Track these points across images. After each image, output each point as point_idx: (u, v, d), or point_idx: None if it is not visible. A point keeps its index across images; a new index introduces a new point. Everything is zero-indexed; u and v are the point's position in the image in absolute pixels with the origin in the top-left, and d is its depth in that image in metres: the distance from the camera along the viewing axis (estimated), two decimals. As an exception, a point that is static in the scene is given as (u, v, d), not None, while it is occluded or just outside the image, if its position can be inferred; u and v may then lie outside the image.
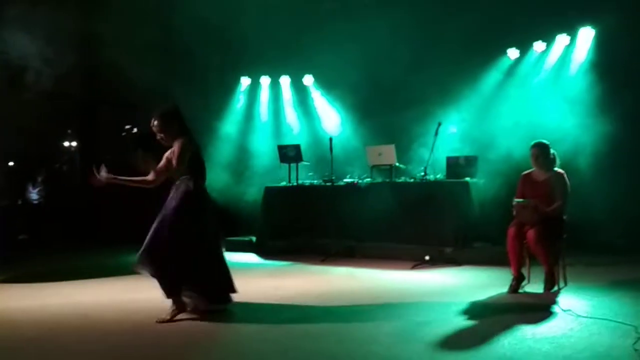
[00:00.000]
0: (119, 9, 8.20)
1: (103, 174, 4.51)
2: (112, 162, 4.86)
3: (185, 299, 4.49)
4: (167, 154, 4.63)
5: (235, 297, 4.74)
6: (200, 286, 4.46)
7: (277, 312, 4.68)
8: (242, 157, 9.94)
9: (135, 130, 5.48)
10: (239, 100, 10.37)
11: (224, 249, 4.82)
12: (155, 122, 4.54)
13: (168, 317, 4.35)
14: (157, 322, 4.31)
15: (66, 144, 11.57)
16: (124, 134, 5.51)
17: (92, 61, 9.84)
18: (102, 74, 9.83)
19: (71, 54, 8.50)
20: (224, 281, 4.58)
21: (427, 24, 8.04)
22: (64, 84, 8.75)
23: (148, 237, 4.45)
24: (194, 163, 4.53)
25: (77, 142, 11.43)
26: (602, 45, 7.56)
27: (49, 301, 5.24)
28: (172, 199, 4.49)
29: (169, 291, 4.43)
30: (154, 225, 4.46)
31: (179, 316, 4.40)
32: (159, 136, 4.56)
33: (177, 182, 4.54)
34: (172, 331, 4.15)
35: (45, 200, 10.43)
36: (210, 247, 4.55)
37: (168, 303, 4.46)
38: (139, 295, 5.37)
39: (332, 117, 9.72)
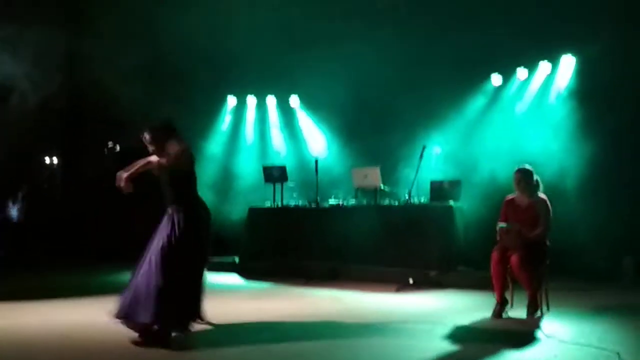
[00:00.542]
0: (106, 28, 8.20)
1: (122, 173, 4.30)
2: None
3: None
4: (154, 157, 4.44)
5: (216, 319, 4.72)
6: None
7: (258, 333, 4.61)
8: (226, 177, 9.90)
9: (117, 148, 5.43)
10: (224, 122, 10.37)
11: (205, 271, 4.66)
12: (147, 136, 4.49)
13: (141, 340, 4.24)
14: (132, 343, 4.20)
15: (47, 160, 11.42)
16: (106, 151, 5.45)
17: (77, 79, 9.81)
18: (88, 92, 9.79)
19: (56, 72, 8.46)
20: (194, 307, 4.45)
21: (413, 48, 8.14)
22: (48, 101, 8.67)
23: (139, 281, 4.28)
24: (190, 173, 4.47)
25: (58, 158, 11.29)
26: (583, 73, 7.71)
27: (28, 320, 5.11)
28: (169, 229, 4.32)
29: (177, 326, 4.21)
30: (151, 265, 4.27)
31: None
32: (150, 149, 4.49)
33: (170, 211, 4.40)
34: (152, 352, 4.05)
35: (26, 217, 10.25)
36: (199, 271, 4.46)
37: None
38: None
39: (317, 139, 9.74)
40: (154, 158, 4.41)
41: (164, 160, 4.34)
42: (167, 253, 4.25)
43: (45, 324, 4.98)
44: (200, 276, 4.48)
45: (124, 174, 4.27)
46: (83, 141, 10.80)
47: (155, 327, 4.22)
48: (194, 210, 4.43)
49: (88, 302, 6.02)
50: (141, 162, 4.37)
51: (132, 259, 9.29)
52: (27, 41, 7.60)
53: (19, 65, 7.75)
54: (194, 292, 4.42)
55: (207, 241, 4.58)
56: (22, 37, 7.54)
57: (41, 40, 7.61)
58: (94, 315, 5.27)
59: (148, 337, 4.25)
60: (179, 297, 4.22)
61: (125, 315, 4.24)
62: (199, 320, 4.58)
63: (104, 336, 4.48)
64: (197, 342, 4.31)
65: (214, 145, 10.00)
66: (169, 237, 4.30)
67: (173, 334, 4.18)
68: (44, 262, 9.18)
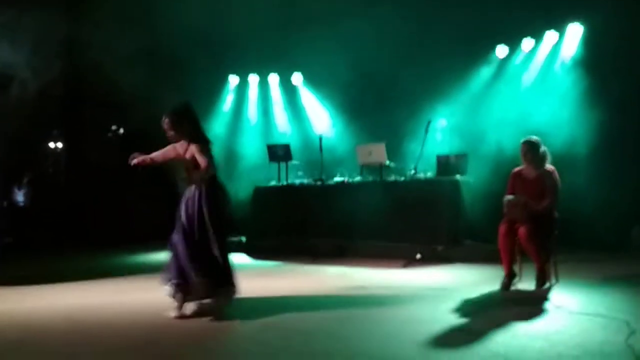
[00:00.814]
0: (105, 12, 8.11)
1: (136, 155, 4.58)
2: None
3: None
4: (177, 146, 4.57)
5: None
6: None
7: (268, 312, 4.61)
8: (230, 157, 9.88)
9: (121, 130, 5.42)
10: (227, 102, 10.31)
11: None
12: (166, 120, 4.53)
13: (178, 314, 4.38)
14: (173, 318, 4.33)
15: (52, 145, 11.42)
16: (110, 134, 5.44)
17: (77, 64, 9.74)
18: (88, 76, 9.72)
19: (56, 58, 8.40)
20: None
21: (416, 21, 8.03)
22: (48, 86, 8.63)
23: (187, 257, 4.39)
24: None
25: (62, 143, 11.28)
26: (590, 42, 7.58)
27: (34, 304, 5.14)
28: (199, 204, 4.45)
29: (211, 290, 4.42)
30: (186, 241, 4.42)
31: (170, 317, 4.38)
32: (168, 134, 4.55)
33: (192, 187, 4.51)
34: (161, 333, 4.07)
35: (31, 203, 10.29)
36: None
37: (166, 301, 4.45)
38: (125, 297, 5.33)
39: (321, 116, 9.68)
40: (179, 148, 4.52)
41: (203, 165, 4.40)
42: (201, 224, 4.41)
43: (50, 307, 5.00)
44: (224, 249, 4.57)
45: (147, 157, 4.51)
46: (85, 125, 10.79)
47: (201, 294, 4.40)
48: (215, 189, 4.55)
49: (93, 286, 6.05)
50: (170, 152, 4.56)
51: (135, 242, 9.40)
52: (26, 27, 7.53)
53: (19, 52, 7.69)
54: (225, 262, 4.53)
55: (226, 219, 4.72)
56: (21, 23, 7.47)
57: (40, 26, 7.54)
58: (98, 299, 5.33)
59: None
60: (216, 263, 4.42)
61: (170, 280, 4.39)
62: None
63: (108, 319, 4.52)
64: (205, 322, 4.33)
65: (217, 126, 9.96)
66: (199, 210, 4.43)
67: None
68: (50, 247, 9.23)
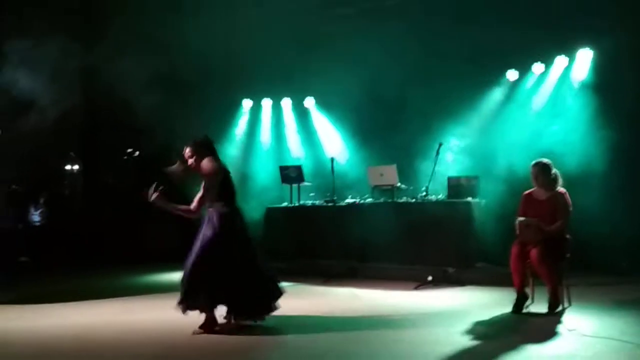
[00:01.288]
0: (121, 38, 8.30)
1: (155, 196, 4.80)
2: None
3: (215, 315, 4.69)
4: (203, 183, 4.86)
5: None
6: (234, 302, 4.67)
7: (279, 332, 4.64)
8: (243, 180, 9.96)
9: (137, 153, 5.57)
10: (240, 125, 10.45)
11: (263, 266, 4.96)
12: (188, 149, 4.84)
13: (202, 330, 4.60)
14: (193, 334, 4.55)
15: (68, 167, 11.61)
16: (125, 157, 5.59)
17: (94, 87, 9.96)
18: (104, 99, 9.92)
19: (73, 81, 8.59)
20: (258, 297, 4.75)
21: (427, 43, 8.11)
22: (66, 110, 8.80)
23: (187, 272, 4.68)
24: (224, 187, 4.80)
25: (79, 165, 11.47)
26: (600, 66, 7.62)
27: (45, 322, 5.22)
28: (208, 229, 4.72)
29: (208, 307, 4.63)
30: (192, 259, 4.68)
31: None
32: (189, 161, 4.84)
33: (209, 213, 4.77)
34: (166, 349, 4.11)
35: (47, 223, 10.42)
36: (246, 266, 4.72)
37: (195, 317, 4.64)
38: (134, 316, 5.41)
39: (333, 139, 9.76)
40: (194, 206, 4.87)
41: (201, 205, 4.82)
42: (204, 247, 4.65)
43: (60, 325, 5.08)
44: (243, 270, 4.69)
45: (157, 201, 4.77)
46: (102, 148, 10.97)
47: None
48: (227, 213, 4.77)
49: (103, 305, 6.13)
50: (182, 208, 4.90)
51: (150, 262, 9.47)
52: (44, 53, 7.73)
53: (38, 78, 7.88)
54: (238, 284, 4.65)
55: (245, 240, 4.87)
56: (40, 49, 7.67)
57: (58, 51, 7.74)
58: (108, 318, 5.40)
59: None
60: (212, 285, 4.59)
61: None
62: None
63: (117, 337, 4.60)
64: (214, 341, 4.37)
65: (231, 148, 10.07)
66: (205, 234, 4.71)
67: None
68: (65, 266, 9.33)
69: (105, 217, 10.41)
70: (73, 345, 4.39)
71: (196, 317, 4.62)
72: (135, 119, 8.70)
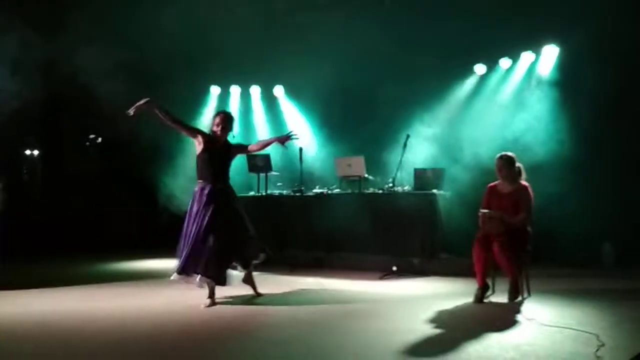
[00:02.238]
0: (86, 23, 8.08)
1: (143, 102, 5.07)
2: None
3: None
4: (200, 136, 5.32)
5: (200, 308, 5.04)
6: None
7: (243, 322, 4.63)
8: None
9: (99, 139, 5.50)
10: (208, 112, 10.31)
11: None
12: (222, 116, 5.37)
13: (210, 303, 5.09)
14: (204, 307, 5.02)
15: (27, 152, 11.27)
16: (87, 143, 5.50)
17: (56, 71, 9.68)
18: (66, 84, 9.65)
19: (34, 65, 8.32)
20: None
21: (396, 37, 8.15)
22: (26, 93, 8.53)
23: (189, 245, 5.04)
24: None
25: (38, 150, 11.15)
26: (565, 62, 7.80)
27: (6, 310, 5.08)
28: (203, 204, 5.16)
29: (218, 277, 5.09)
30: (193, 232, 5.06)
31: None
32: (217, 127, 5.30)
33: (215, 186, 5.24)
34: (135, 338, 4.05)
35: (5, 209, 10.11)
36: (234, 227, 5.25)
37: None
38: (97, 303, 5.34)
39: (302, 128, 9.73)
40: (201, 138, 5.30)
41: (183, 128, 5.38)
42: (230, 218, 5.22)
43: (21, 313, 4.96)
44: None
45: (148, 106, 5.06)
46: (63, 133, 10.70)
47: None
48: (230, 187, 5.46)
49: (65, 292, 6.02)
50: (192, 132, 5.38)
51: (110, 250, 9.33)
52: (3, 39, 7.48)
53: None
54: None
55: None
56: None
57: (18, 34, 7.50)
58: (70, 304, 5.30)
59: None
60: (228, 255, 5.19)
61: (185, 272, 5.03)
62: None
63: (80, 324, 4.53)
64: (178, 328, 4.32)
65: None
66: (228, 206, 5.26)
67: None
68: (24, 254, 9.08)
69: (66, 203, 10.18)
70: (38, 332, 4.30)
71: (156, 304, 4.58)
72: (99, 105, 8.50)
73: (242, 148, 5.58)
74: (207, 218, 5.07)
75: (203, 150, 5.30)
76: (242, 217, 5.39)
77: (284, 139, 5.53)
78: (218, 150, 5.34)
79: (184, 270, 5.02)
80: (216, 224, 5.09)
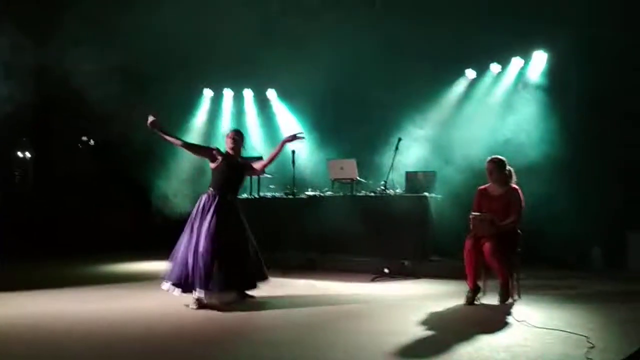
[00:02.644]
0: (79, 25, 8.07)
1: (151, 119, 5.10)
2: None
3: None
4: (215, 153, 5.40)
5: (192, 310, 5.02)
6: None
7: (236, 323, 4.64)
8: (202, 170, 9.84)
9: (91, 142, 5.50)
10: (201, 115, 10.33)
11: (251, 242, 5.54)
12: (238, 135, 5.51)
13: (196, 306, 5.05)
14: (192, 308, 5.03)
15: (19, 154, 11.22)
16: (80, 145, 5.50)
17: (48, 73, 9.65)
18: (59, 86, 9.63)
19: (26, 67, 8.29)
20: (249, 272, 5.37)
21: (389, 41, 8.21)
22: (18, 95, 8.50)
23: (199, 263, 5.05)
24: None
25: (30, 152, 11.10)
26: (554, 67, 7.90)
27: (0, 311, 5.05)
28: (207, 214, 5.21)
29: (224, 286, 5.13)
30: (200, 249, 5.08)
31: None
32: (232, 145, 5.42)
33: (226, 198, 5.33)
34: (126, 340, 4.06)
35: (-1, 211, 10.06)
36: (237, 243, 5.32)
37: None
38: (89, 305, 5.31)
39: (294, 131, 9.75)
40: (217, 155, 5.37)
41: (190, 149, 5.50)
42: (238, 233, 5.36)
43: (14, 315, 4.93)
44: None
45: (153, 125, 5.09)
46: (56, 135, 10.66)
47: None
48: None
49: (59, 293, 5.99)
50: (204, 152, 5.49)
51: (103, 251, 9.30)
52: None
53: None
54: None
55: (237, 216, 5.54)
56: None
57: (10, 36, 7.48)
58: (63, 306, 5.28)
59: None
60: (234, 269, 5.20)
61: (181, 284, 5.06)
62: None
63: (71, 326, 4.51)
64: (174, 330, 4.34)
65: (191, 138, 9.93)
66: (237, 220, 5.41)
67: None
68: (16, 255, 9.03)
69: (58, 205, 10.14)
70: (30, 334, 4.28)
71: (149, 306, 4.59)
72: (92, 108, 8.48)
73: (251, 170, 5.66)
74: (211, 227, 5.11)
75: (222, 163, 5.37)
76: (246, 229, 5.50)
77: (290, 138, 5.61)
78: (234, 164, 5.45)
79: (183, 286, 5.09)
80: (220, 233, 5.14)
